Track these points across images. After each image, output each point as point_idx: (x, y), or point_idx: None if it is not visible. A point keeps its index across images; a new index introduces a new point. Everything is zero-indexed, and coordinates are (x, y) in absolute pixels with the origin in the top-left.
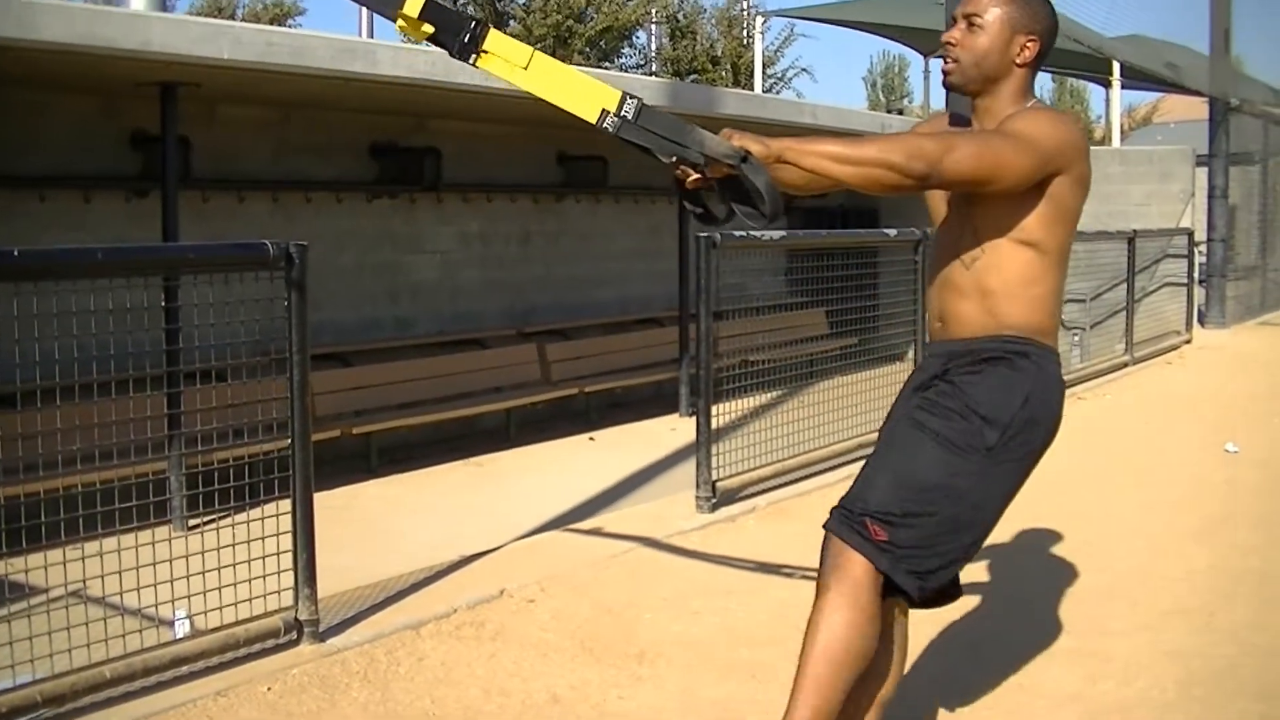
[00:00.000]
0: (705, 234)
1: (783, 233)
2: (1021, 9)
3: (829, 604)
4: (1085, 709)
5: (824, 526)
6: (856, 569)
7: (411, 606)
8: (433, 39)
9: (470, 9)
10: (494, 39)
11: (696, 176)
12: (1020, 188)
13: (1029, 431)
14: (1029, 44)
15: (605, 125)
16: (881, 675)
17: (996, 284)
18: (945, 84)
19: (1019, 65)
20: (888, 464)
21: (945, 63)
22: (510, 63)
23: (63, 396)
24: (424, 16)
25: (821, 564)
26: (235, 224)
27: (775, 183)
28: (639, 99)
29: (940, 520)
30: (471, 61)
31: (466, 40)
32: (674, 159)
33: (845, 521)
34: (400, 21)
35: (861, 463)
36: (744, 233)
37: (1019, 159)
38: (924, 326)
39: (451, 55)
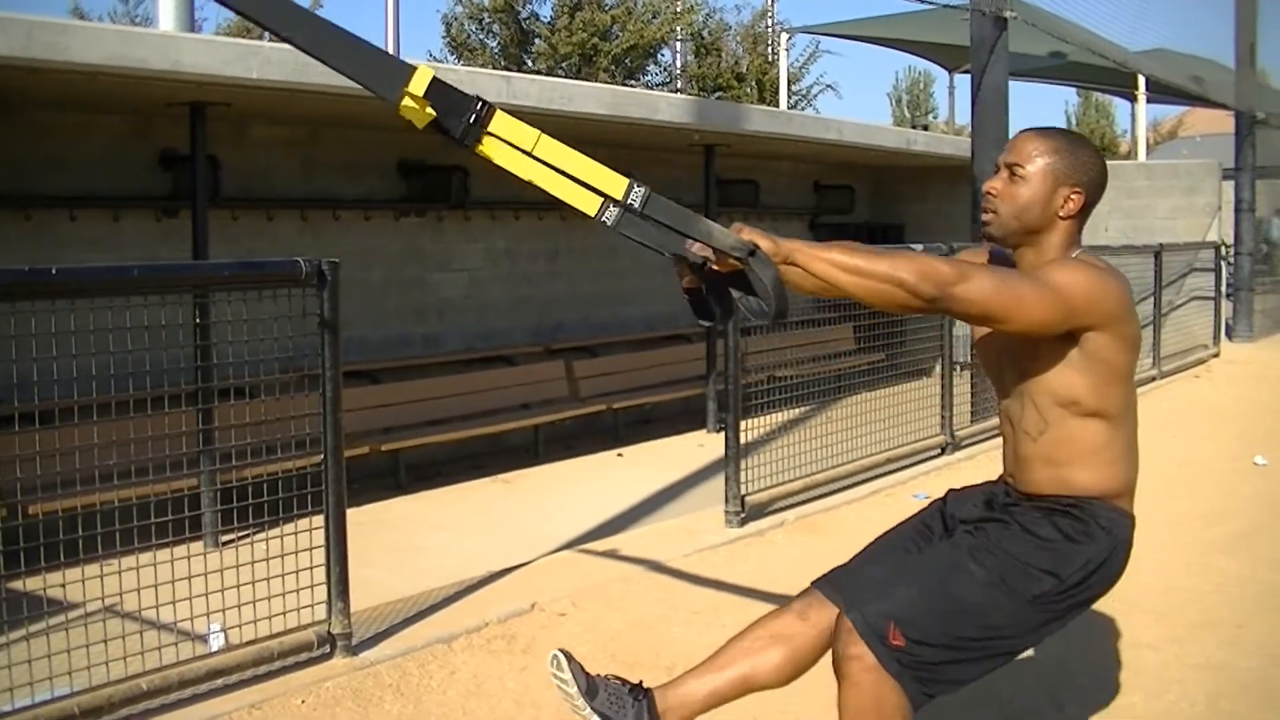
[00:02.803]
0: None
1: None
2: (1068, 159)
3: (852, 698)
4: None
5: (844, 612)
6: (871, 665)
7: (443, 620)
8: (435, 124)
9: (495, 28)
10: (500, 120)
11: (690, 278)
12: (1036, 334)
13: (1083, 592)
14: (1073, 196)
15: (604, 219)
16: (771, 668)
17: (1067, 456)
18: (984, 235)
19: (1062, 218)
20: (925, 575)
21: (985, 213)
22: (515, 146)
23: (97, 413)
24: (429, 95)
25: (835, 643)
26: (264, 242)
27: (781, 279)
28: (646, 187)
29: (964, 647)
30: (473, 146)
31: (472, 120)
32: (672, 255)
33: (871, 613)
34: (405, 101)
35: (883, 478)
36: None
37: (1038, 305)
38: (950, 341)
39: (454, 141)
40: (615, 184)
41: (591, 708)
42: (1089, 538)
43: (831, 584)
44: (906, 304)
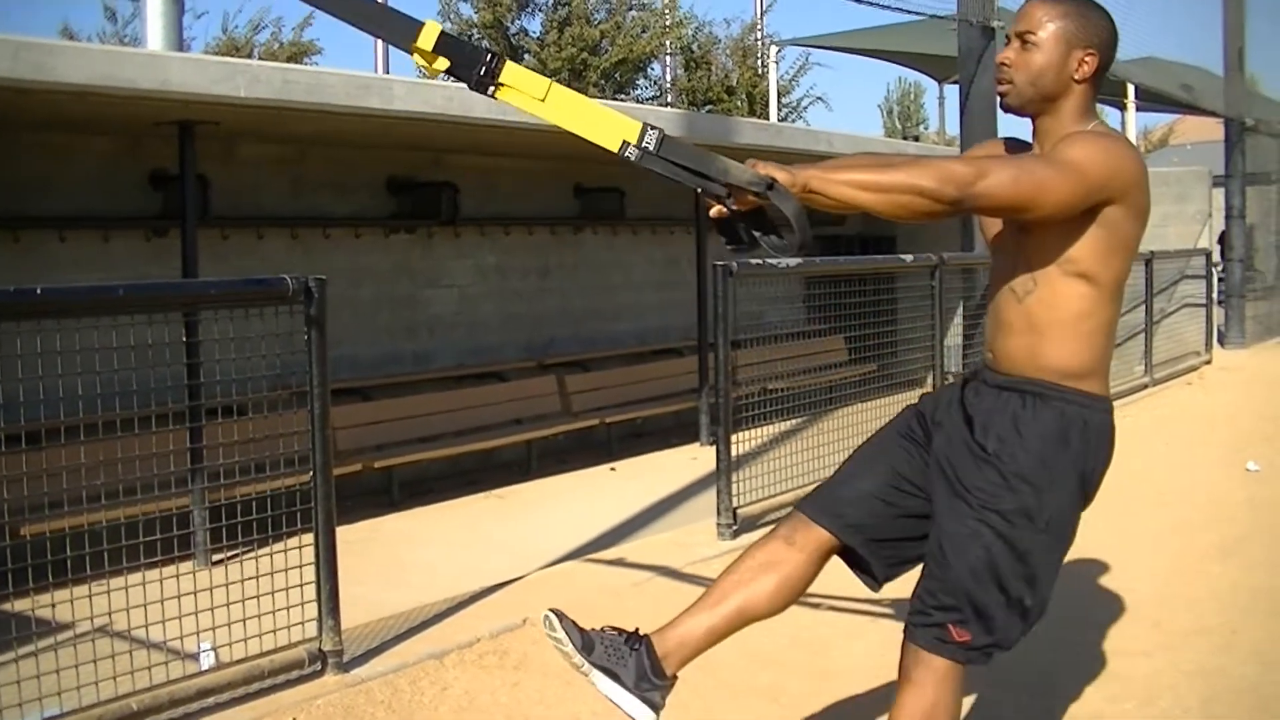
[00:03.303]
0: (723, 263)
1: (800, 260)
2: (1078, 22)
3: (910, 698)
4: None
5: (904, 633)
6: (940, 667)
7: (434, 636)
8: (450, 71)
9: (485, 43)
10: (510, 72)
11: (719, 208)
12: (1062, 216)
13: (1089, 488)
14: (1087, 58)
15: (627, 154)
16: (765, 596)
17: (1047, 320)
18: (1002, 107)
19: (1078, 82)
20: (955, 563)
21: (1000, 85)
22: (528, 95)
23: (86, 433)
24: (438, 50)
25: (903, 660)
26: (254, 261)
27: (803, 209)
28: (660, 129)
29: (1019, 605)
30: (491, 93)
31: (483, 73)
32: (698, 189)
33: (925, 627)
34: (416, 55)
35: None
36: (760, 260)
37: (1061, 187)
38: (942, 352)
39: (470, 88)
40: (630, 129)
41: (590, 663)
42: (1064, 441)
43: (815, 505)
44: (931, 211)
